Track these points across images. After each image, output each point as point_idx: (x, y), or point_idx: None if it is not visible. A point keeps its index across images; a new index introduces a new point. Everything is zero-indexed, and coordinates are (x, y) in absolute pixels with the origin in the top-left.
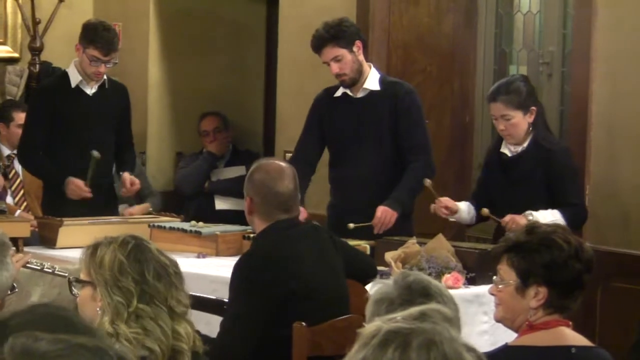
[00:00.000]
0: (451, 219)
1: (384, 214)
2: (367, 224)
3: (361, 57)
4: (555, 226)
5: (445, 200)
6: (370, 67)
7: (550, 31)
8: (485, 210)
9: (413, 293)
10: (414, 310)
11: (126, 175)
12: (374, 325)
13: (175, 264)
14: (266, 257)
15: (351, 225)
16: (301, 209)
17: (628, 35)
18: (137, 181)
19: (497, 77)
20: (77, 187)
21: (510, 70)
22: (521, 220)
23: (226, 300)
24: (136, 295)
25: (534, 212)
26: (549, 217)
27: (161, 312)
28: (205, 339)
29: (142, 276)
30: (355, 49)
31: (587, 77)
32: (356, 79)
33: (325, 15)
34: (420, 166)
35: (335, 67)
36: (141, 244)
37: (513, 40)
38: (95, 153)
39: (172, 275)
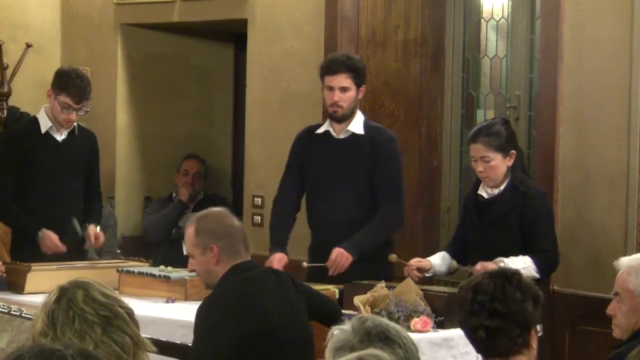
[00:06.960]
0: (427, 275)
1: (339, 257)
2: (321, 264)
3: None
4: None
5: (415, 262)
6: (357, 112)
7: (517, 75)
8: (393, 256)
9: (372, 338)
10: (352, 356)
11: (91, 229)
12: None
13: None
14: (229, 297)
15: (305, 264)
16: (281, 255)
17: (594, 79)
18: (101, 235)
19: (465, 121)
20: (52, 242)
21: (478, 114)
22: (492, 267)
23: None
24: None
25: (504, 259)
26: (520, 263)
27: None
28: None
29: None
30: (360, 89)
31: (553, 121)
32: (347, 117)
33: (293, 59)
34: (388, 215)
35: (337, 96)
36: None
37: (480, 84)
38: (75, 222)
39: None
